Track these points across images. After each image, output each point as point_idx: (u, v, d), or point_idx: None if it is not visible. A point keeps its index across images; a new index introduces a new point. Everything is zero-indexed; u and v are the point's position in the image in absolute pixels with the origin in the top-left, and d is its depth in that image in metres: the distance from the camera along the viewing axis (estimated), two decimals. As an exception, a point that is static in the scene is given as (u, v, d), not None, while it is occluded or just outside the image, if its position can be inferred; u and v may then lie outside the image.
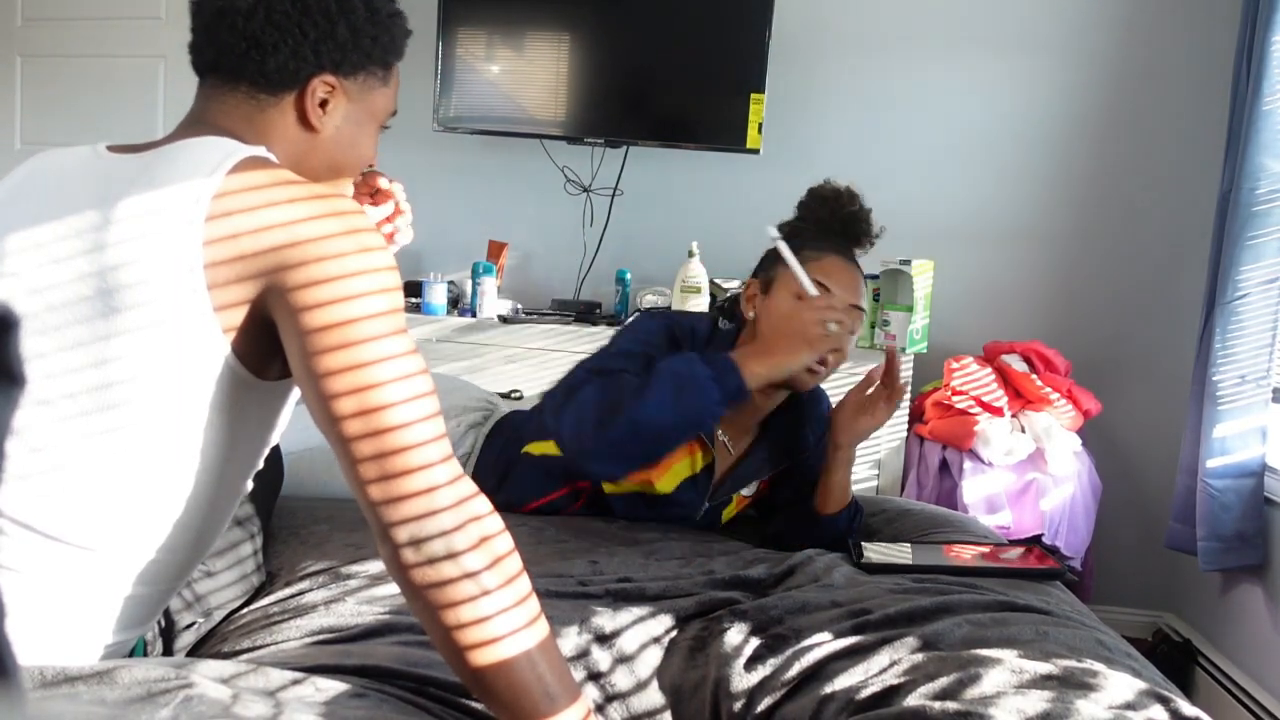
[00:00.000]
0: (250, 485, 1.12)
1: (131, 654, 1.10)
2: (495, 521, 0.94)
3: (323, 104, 1.08)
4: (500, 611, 0.90)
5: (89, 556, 0.97)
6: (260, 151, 1.02)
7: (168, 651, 1.21)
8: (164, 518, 1.00)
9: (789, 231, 1.60)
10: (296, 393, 1.06)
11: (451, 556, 0.89)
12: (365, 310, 0.92)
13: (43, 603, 0.96)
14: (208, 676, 0.90)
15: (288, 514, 1.60)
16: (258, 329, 0.96)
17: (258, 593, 1.35)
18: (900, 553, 1.55)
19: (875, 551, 1.53)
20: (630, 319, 1.64)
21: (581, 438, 1.42)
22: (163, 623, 1.21)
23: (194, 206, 0.93)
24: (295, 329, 0.92)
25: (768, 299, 1.61)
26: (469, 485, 0.93)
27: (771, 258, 1.62)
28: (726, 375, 1.41)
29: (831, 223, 1.66)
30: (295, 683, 0.95)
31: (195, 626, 1.25)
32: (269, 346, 0.97)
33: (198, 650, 1.23)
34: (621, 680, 1.14)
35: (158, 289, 0.92)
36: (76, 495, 0.95)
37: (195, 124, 1.06)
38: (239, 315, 0.94)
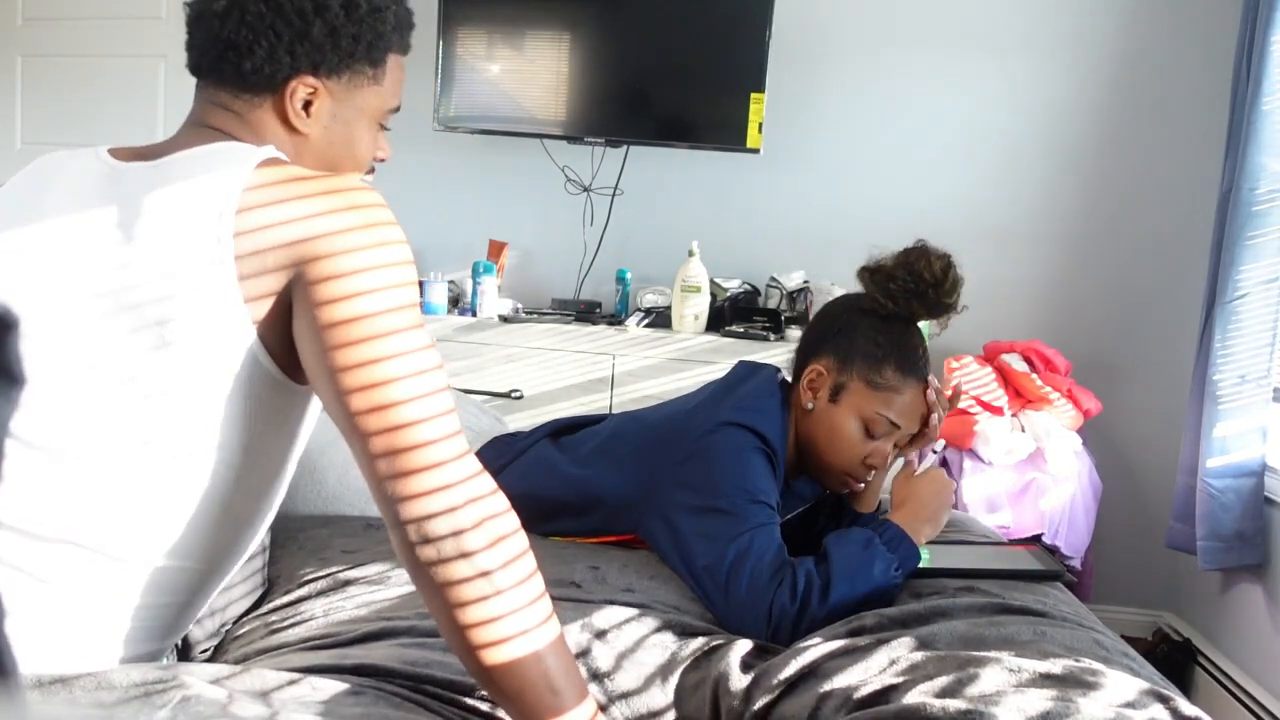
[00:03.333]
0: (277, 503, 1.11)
1: None
2: (511, 520, 0.93)
3: (307, 105, 1.06)
4: (511, 611, 0.90)
5: (122, 567, 0.96)
6: (273, 151, 1.02)
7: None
8: (191, 524, 0.99)
9: (880, 290, 1.51)
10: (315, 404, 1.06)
11: (465, 555, 0.89)
12: (381, 305, 0.91)
13: (78, 614, 0.96)
14: (201, 678, 0.90)
15: (287, 519, 1.60)
16: (286, 325, 0.95)
17: (259, 600, 1.35)
18: None
19: None
20: (712, 435, 1.44)
21: (778, 638, 1.31)
22: (179, 645, 1.21)
23: (225, 200, 0.93)
24: (311, 324, 0.92)
25: (835, 408, 1.50)
26: (486, 482, 0.93)
27: (848, 353, 1.51)
28: (908, 561, 1.38)
29: (920, 304, 1.52)
30: (291, 683, 0.95)
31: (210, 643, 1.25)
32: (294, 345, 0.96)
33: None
34: (623, 680, 1.14)
35: (190, 296, 0.92)
36: (116, 506, 0.95)
37: (196, 127, 1.05)
38: (268, 308, 0.94)
